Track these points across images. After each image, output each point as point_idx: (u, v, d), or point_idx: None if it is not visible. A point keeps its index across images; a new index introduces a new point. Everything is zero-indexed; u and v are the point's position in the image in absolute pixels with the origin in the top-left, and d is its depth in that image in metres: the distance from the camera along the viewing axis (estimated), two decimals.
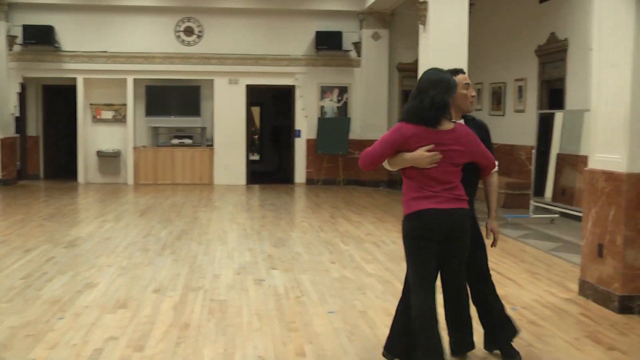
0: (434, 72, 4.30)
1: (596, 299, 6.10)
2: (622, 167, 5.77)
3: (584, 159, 8.09)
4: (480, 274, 4.66)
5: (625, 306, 5.77)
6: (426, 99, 4.11)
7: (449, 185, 4.11)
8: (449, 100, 4.14)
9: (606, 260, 5.94)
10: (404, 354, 4.40)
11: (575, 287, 6.60)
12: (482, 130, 4.59)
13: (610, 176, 5.90)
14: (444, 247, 4.12)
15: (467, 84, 4.58)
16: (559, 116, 11.12)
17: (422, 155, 4.05)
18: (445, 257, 4.19)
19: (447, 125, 4.11)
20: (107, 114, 16.62)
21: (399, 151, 4.13)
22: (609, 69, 5.97)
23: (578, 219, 9.58)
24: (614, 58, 5.88)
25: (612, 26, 5.94)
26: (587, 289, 6.27)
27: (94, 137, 16.62)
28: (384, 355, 4.55)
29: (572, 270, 7.42)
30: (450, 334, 4.65)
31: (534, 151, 11.52)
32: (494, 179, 4.55)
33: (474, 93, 4.66)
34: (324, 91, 16.92)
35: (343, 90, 16.97)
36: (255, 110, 21.22)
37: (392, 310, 5.80)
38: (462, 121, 4.50)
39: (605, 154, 6.03)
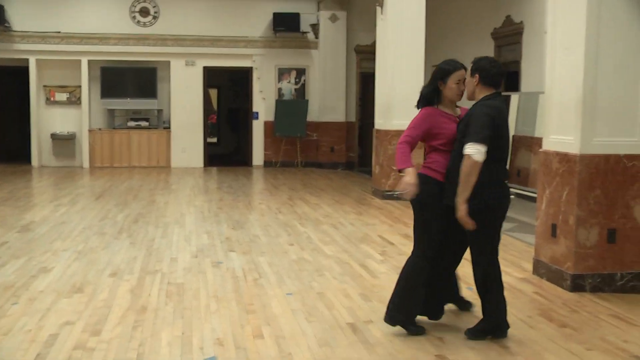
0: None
1: (549, 277, 6.22)
2: (575, 149, 5.87)
3: (538, 141, 8.21)
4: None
5: (577, 284, 5.89)
6: None
7: None
8: None
9: (559, 240, 6.05)
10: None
11: (529, 266, 6.72)
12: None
13: (563, 157, 6.00)
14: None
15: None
16: (514, 98, 11.26)
17: None
18: None
19: None
20: (62, 96, 16.32)
21: None
22: (562, 52, 6.05)
23: (533, 199, 9.74)
24: (567, 41, 5.96)
25: (565, 10, 6.01)
26: (540, 268, 6.39)
27: (47, 119, 16.31)
28: (411, 328, 4.83)
29: (527, 250, 7.54)
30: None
31: None
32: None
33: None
34: (282, 73, 16.86)
35: (301, 72, 16.93)
36: (213, 93, 21.05)
37: (350, 292, 5.86)
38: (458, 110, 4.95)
39: (559, 135, 6.12)
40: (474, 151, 4.45)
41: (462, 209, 4.52)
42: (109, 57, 16.19)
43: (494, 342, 4.68)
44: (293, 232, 8.51)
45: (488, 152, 4.48)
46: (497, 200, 4.65)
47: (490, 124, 4.51)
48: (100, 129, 16.31)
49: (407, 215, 9.78)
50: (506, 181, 4.75)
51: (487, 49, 13.12)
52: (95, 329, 4.85)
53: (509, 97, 11.42)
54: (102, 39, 16.07)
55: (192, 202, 11.00)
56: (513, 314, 5.32)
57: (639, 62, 5.79)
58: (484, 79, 4.69)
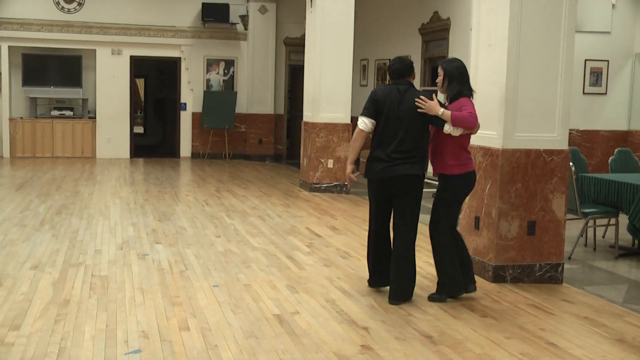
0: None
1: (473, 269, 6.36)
2: (497, 143, 6.02)
3: None
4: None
5: (498, 275, 6.06)
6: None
7: None
8: None
9: (482, 232, 6.21)
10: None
11: None
12: None
13: (487, 152, 6.15)
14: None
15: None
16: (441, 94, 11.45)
17: None
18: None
19: None
20: None
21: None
22: (486, 49, 6.20)
23: None
24: (491, 38, 6.11)
25: (489, 8, 6.15)
26: None
27: None
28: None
29: None
30: None
31: None
32: None
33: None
34: (210, 64, 16.71)
35: (230, 63, 16.81)
36: (140, 83, 20.69)
37: (277, 284, 5.89)
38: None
39: (483, 130, 6.25)
40: (359, 121, 5.43)
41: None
42: (32, 44, 15.69)
43: (417, 331, 4.78)
44: (220, 224, 8.47)
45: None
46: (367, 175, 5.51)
47: (372, 100, 5.41)
48: (21, 118, 15.82)
49: (334, 208, 9.87)
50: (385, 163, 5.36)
51: (415, 45, 13.33)
52: (14, 324, 4.72)
53: (435, 92, 11.60)
54: (24, 24, 15.57)
55: (118, 194, 10.81)
56: (437, 305, 5.44)
57: (558, 60, 5.98)
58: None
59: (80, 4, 15.90)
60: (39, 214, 8.85)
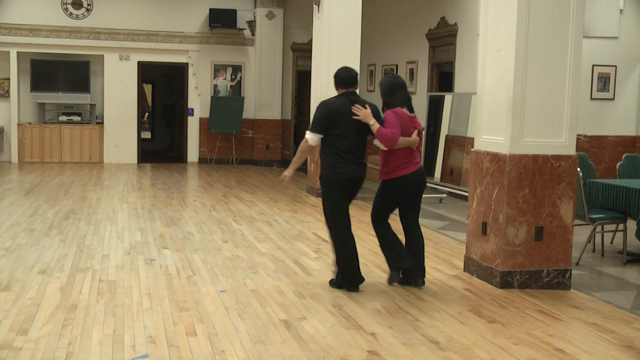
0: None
1: (480, 274, 6.36)
2: (505, 149, 6.01)
3: (471, 141, 8.38)
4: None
5: (506, 281, 6.04)
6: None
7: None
8: None
9: (489, 237, 6.19)
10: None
11: (460, 264, 6.86)
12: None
13: (494, 157, 6.14)
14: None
15: None
16: (448, 99, 11.46)
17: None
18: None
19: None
20: None
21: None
22: (493, 54, 6.20)
23: (465, 198, 9.94)
24: (498, 43, 6.11)
25: (496, 13, 6.15)
26: (471, 266, 6.53)
27: None
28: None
29: (459, 247, 7.70)
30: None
31: (423, 132, 11.82)
32: None
33: None
34: (218, 70, 16.75)
35: (237, 69, 16.85)
36: (147, 88, 20.76)
37: (284, 289, 5.89)
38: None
39: (490, 135, 6.26)
40: (308, 135, 5.89)
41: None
42: (40, 50, 15.78)
43: (425, 337, 4.77)
44: (227, 230, 8.47)
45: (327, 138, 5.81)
46: (329, 177, 5.87)
47: (322, 115, 5.79)
48: (30, 123, 15.90)
49: None
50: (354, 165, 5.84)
51: (422, 50, 13.33)
52: (22, 328, 4.74)
53: (442, 97, 11.61)
54: (33, 30, 15.65)
55: (125, 199, 10.84)
56: (444, 310, 5.43)
57: (566, 65, 5.97)
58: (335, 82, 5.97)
59: (88, 10, 15.97)
60: (47, 218, 8.88)
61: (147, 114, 21.15)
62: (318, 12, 11.43)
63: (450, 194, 11.45)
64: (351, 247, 5.93)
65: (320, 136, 5.82)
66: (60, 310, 5.16)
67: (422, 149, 11.73)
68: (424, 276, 6.10)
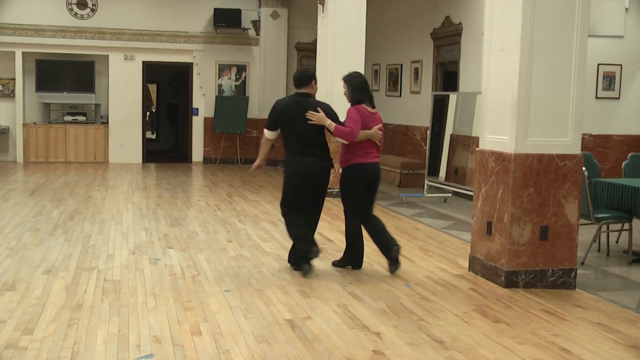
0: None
1: (484, 274, 6.35)
2: (509, 148, 6.01)
3: (475, 140, 8.38)
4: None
5: (511, 281, 6.03)
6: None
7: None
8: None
9: (494, 237, 6.19)
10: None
11: (465, 263, 6.85)
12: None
13: (499, 156, 6.13)
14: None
15: None
16: (452, 98, 11.44)
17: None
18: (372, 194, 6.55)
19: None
20: None
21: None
22: (498, 54, 6.19)
23: (469, 197, 9.93)
24: (503, 43, 6.10)
25: (501, 12, 6.14)
26: (476, 265, 6.52)
27: None
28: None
29: (463, 247, 7.69)
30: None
31: (428, 132, 11.82)
32: None
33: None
34: (222, 69, 16.76)
35: (241, 68, 16.85)
36: (152, 88, 20.78)
37: (288, 289, 5.89)
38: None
39: (495, 135, 6.25)
40: (265, 131, 6.48)
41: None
42: (45, 50, 15.81)
43: (429, 337, 4.76)
44: (232, 229, 8.48)
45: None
46: (295, 169, 6.35)
47: (272, 114, 6.39)
48: (35, 123, 15.92)
49: None
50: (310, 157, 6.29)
51: (427, 49, 13.32)
52: (28, 328, 4.75)
53: (447, 96, 11.60)
54: (38, 30, 15.68)
55: (130, 199, 10.85)
56: (449, 310, 5.42)
57: (571, 65, 5.96)
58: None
59: (93, 10, 15.99)
60: (52, 218, 8.89)
61: (147, 113, 21.15)
62: (323, 11, 11.42)
63: (454, 193, 11.44)
64: (304, 230, 6.40)
65: (273, 132, 6.42)
66: (65, 309, 5.17)
67: (427, 148, 11.75)
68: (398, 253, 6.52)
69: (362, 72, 11.31)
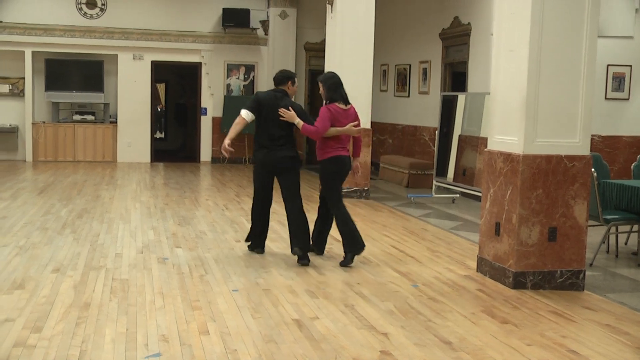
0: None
1: (492, 275, 6.34)
2: (518, 149, 5.99)
3: (484, 141, 8.35)
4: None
5: (519, 282, 6.02)
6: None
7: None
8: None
9: (502, 238, 6.17)
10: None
11: (473, 264, 6.84)
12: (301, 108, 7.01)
13: (507, 157, 6.12)
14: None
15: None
16: (461, 98, 11.42)
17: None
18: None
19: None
20: (4, 88, 15.92)
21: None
22: (507, 54, 6.17)
23: (478, 198, 9.91)
24: (512, 43, 6.08)
25: (510, 13, 6.13)
26: (484, 266, 6.50)
27: None
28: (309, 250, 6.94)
29: (471, 248, 7.68)
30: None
31: (437, 132, 11.80)
32: None
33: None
34: (231, 69, 16.78)
35: (250, 68, 16.87)
36: (160, 87, 20.81)
37: (296, 289, 5.89)
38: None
39: (503, 135, 6.24)
40: (242, 111, 6.91)
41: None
42: (54, 49, 15.87)
43: (437, 337, 4.76)
44: (240, 229, 8.49)
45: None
46: (255, 160, 7.04)
47: (254, 99, 6.96)
48: (44, 122, 15.98)
49: (354, 213, 9.83)
50: (266, 149, 6.86)
51: (435, 50, 13.30)
52: (36, 326, 4.76)
53: (456, 97, 11.58)
54: (47, 30, 15.74)
55: (138, 198, 10.88)
56: (457, 311, 5.41)
57: (580, 65, 5.94)
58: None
59: (102, 10, 16.04)
60: (61, 217, 8.92)
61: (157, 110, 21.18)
62: (331, 11, 11.42)
63: (463, 194, 11.42)
64: (265, 218, 7.18)
65: (250, 115, 6.86)
66: (74, 308, 5.18)
67: (435, 149, 11.73)
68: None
69: (371, 72, 11.36)
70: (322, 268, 6.67)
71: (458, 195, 11.41)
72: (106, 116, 16.30)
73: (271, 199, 7.23)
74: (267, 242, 7.74)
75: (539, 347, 4.66)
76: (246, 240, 7.37)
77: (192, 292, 5.72)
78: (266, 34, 16.70)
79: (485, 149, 6.56)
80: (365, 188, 11.35)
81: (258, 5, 16.62)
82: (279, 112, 6.77)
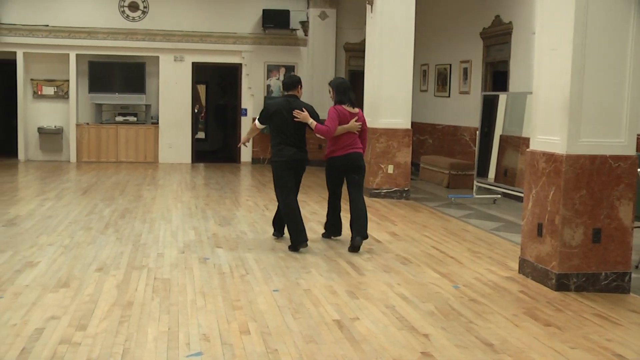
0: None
1: (535, 276, 6.26)
2: (561, 149, 5.91)
3: (525, 141, 8.26)
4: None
5: (562, 284, 5.93)
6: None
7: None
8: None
9: (545, 239, 6.09)
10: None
11: (515, 265, 6.76)
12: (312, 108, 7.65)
13: (550, 157, 6.03)
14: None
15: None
16: (502, 98, 11.30)
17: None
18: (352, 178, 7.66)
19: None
20: (49, 90, 16.23)
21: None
22: (549, 53, 6.09)
23: (519, 199, 9.80)
24: (555, 42, 6.00)
25: (553, 11, 6.04)
26: (526, 267, 6.43)
27: (34, 113, 16.22)
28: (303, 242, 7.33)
29: (513, 249, 7.59)
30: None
31: (477, 132, 11.70)
32: None
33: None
34: (271, 70, 16.84)
35: (290, 69, 16.91)
36: (201, 88, 20.99)
37: (337, 289, 5.89)
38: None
39: (546, 135, 6.16)
40: (255, 122, 7.73)
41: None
42: (97, 52, 16.12)
43: (478, 339, 4.71)
44: None
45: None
46: (274, 159, 7.52)
47: (264, 111, 7.60)
48: (87, 124, 16.25)
49: (394, 214, 9.82)
50: (293, 148, 7.46)
51: (476, 49, 13.19)
52: (81, 324, 4.84)
53: (497, 96, 11.47)
54: (91, 33, 15.99)
55: (179, 198, 10.98)
56: (498, 313, 5.36)
57: (625, 64, 5.84)
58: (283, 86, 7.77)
59: (144, 12, 16.24)
60: (104, 217, 9.05)
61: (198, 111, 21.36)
62: (371, 12, 11.40)
63: (504, 194, 11.30)
64: (295, 213, 7.37)
65: (262, 126, 7.67)
66: (117, 307, 5.25)
67: (476, 149, 11.63)
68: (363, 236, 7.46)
69: (411, 72, 11.31)
70: (363, 269, 6.66)
71: (499, 195, 11.29)
72: (148, 117, 16.49)
73: (297, 192, 7.69)
74: (309, 243, 7.75)
75: (584, 350, 4.58)
76: (273, 225, 8.08)
77: (233, 291, 5.76)
78: (306, 34, 16.74)
79: (528, 149, 6.48)
80: (406, 189, 11.31)
81: (298, 6, 16.66)
82: (293, 114, 7.32)
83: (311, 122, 7.40)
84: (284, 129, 7.42)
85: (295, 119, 7.36)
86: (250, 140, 8.39)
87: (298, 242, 7.30)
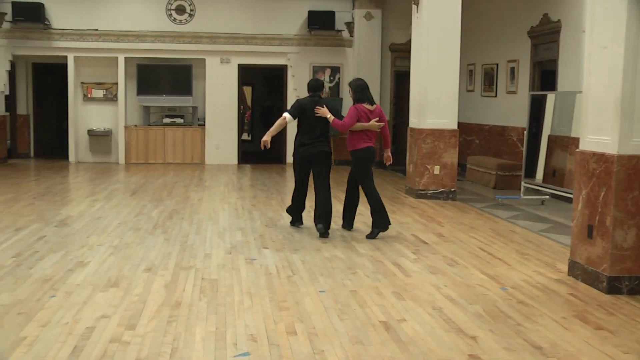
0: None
1: (585, 279, 6.15)
2: (612, 149, 5.79)
3: (575, 141, 8.12)
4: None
5: (613, 287, 5.82)
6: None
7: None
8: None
9: (595, 241, 5.98)
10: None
11: (564, 267, 6.65)
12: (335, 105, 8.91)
13: (600, 158, 5.93)
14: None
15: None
16: (550, 98, 11.14)
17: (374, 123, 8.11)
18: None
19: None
20: (98, 93, 16.52)
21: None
22: (600, 51, 5.98)
23: (568, 200, 9.64)
24: (606, 40, 5.89)
25: (604, 8, 5.93)
26: (576, 270, 6.32)
27: (84, 116, 16.53)
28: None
29: (562, 251, 7.47)
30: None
31: (525, 132, 11.54)
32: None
33: None
34: (316, 71, 16.86)
35: (335, 70, 16.92)
36: (247, 90, 21.13)
37: (383, 290, 5.87)
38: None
39: (596, 135, 6.05)
40: (285, 114, 8.32)
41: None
42: (145, 55, 16.35)
43: (527, 342, 4.65)
44: None
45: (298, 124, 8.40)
46: (296, 155, 8.42)
47: (296, 106, 8.32)
48: (135, 126, 16.49)
49: (441, 215, 9.75)
50: (306, 146, 8.27)
51: (524, 48, 13.02)
52: (130, 323, 4.91)
53: (545, 96, 11.31)
54: (139, 36, 16.23)
55: (226, 199, 11.07)
56: (547, 316, 5.28)
57: None
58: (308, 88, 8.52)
59: (190, 15, 16.42)
60: (152, 218, 9.17)
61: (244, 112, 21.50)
62: (417, 12, 11.34)
63: (552, 195, 11.13)
64: (301, 199, 8.58)
65: (293, 118, 8.27)
66: (165, 307, 5.32)
67: (524, 149, 11.47)
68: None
69: (457, 72, 11.22)
70: (409, 270, 6.62)
71: (548, 196, 11.13)
72: (194, 119, 16.67)
73: (307, 187, 8.50)
74: (353, 244, 7.75)
75: (637, 355, 4.48)
76: (288, 211, 8.86)
77: (280, 292, 5.78)
78: (351, 35, 16.72)
79: (577, 149, 6.37)
80: (452, 189, 11.22)
81: (343, 7, 16.65)
82: (315, 110, 8.12)
83: (329, 116, 8.12)
84: (310, 125, 8.23)
85: (316, 114, 8.12)
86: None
87: (294, 220, 8.74)
